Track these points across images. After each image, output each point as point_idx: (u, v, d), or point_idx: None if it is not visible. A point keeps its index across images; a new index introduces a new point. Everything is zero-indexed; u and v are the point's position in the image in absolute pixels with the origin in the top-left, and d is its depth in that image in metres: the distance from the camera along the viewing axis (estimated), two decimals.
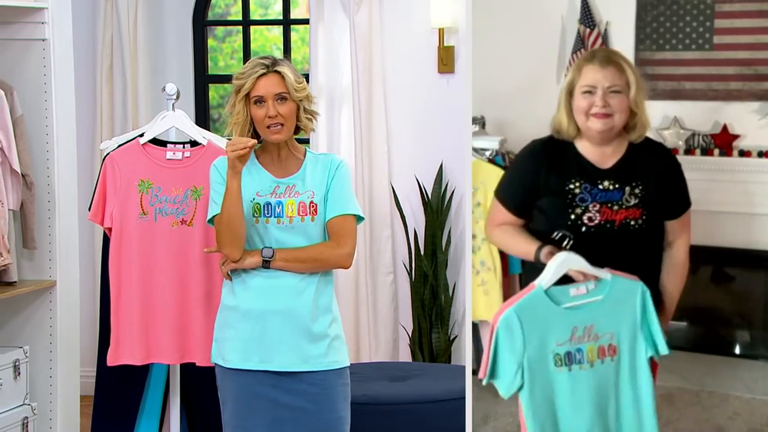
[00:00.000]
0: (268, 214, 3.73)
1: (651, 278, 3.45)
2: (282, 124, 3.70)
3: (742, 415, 3.62)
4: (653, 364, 3.44)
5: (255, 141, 3.66)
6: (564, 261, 3.35)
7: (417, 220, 6.38)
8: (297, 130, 3.80)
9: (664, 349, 3.39)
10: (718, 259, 3.66)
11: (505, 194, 3.56)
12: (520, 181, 3.55)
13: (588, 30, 3.65)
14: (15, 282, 4.76)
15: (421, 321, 6.23)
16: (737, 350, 3.71)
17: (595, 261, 3.38)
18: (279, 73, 3.71)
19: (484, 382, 3.41)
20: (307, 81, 6.29)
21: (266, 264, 3.71)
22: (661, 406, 3.52)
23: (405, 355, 6.43)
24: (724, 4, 3.54)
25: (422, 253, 6.27)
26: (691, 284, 3.55)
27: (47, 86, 4.85)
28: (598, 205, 3.40)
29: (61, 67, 4.91)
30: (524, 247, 3.47)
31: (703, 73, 3.59)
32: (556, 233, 3.40)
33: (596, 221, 3.41)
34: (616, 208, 3.40)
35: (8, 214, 4.67)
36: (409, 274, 6.34)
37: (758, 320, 3.69)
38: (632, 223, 3.41)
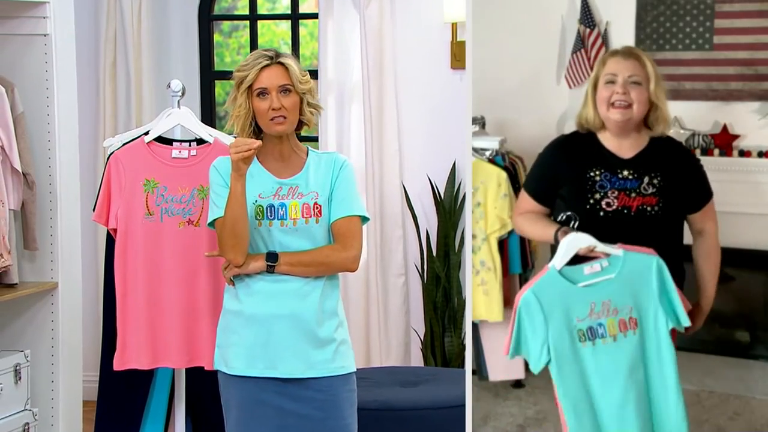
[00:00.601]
0: (271, 216, 3.71)
1: (667, 264, 3.58)
2: (285, 117, 3.69)
3: (742, 415, 3.68)
4: (672, 333, 3.60)
5: (259, 142, 3.64)
6: (573, 240, 3.56)
7: (429, 220, 6.36)
8: (300, 125, 3.79)
9: (685, 321, 3.54)
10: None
11: (529, 183, 3.75)
12: (543, 170, 3.73)
13: (588, 30, 3.73)
14: (16, 284, 4.76)
15: (434, 324, 6.21)
16: (737, 350, 3.80)
17: (613, 244, 3.57)
18: (283, 64, 3.70)
19: (508, 357, 3.64)
20: (316, 77, 6.37)
21: (270, 268, 3.69)
22: None
23: (417, 360, 6.40)
24: (724, 4, 3.61)
25: (434, 254, 6.25)
26: (691, 284, 3.68)
27: (49, 83, 4.85)
28: (616, 192, 3.59)
29: (63, 63, 4.90)
30: (544, 231, 3.66)
31: (703, 73, 3.68)
32: (561, 216, 3.59)
33: (613, 207, 3.59)
34: (633, 195, 3.58)
35: (9, 214, 4.66)
36: (421, 275, 6.31)
37: (758, 320, 3.76)
38: (648, 209, 3.58)
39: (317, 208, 3.72)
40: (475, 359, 3.91)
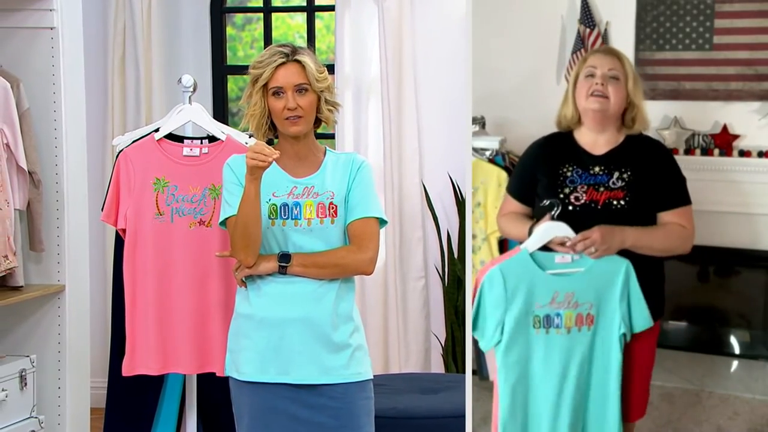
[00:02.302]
0: (285, 216, 3.72)
1: (630, 256, 3.75)
2: (301, 117, 3.70)
3: (742, 415, 3.77)
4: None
5: (278, 153, 3.64)
6: (550, 227, 3.72)
7: (450, 220, 6.36)
8: (318, 122, 3.80)
9: (637, 328, 3.72)
10: (718, 259, 3.82)
11: (511, 184, 3.90)
12: (523, 170, 3.88)
13: (588, 30, 3.81)
14: (21, 287, 4.76)
15: (455, 329, 6.20)
16: (737, 350, 3.87)
17: None
18: (299, 62, 3.70)
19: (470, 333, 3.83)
20: (333, 72, 6.37)
21: (283, 269, 3.70)
22: (661, 406, 3.79)
23: (437, 366, 6.40)
24: (724, 4, 3.70)
25: (456, 256, 6.24)
26: (691, 284, 3.83)
27: (56, 78, 4.85)
28: (585, 187, 3.74)
29: (70, 58, 4.91)
30: (521, 228, 3.79)
31: (703, 73, 3.76)
32: (546, 201, 3.74)
33: (581, 201, 3.74)
34: (601, 189, 3.74)
35: (14, 214, 4.67)
36: (442, 278, 6.31)
37: (758, 320, 3.84)
38: (614, 203, 3.71)
39: (333, 208, 3.73)
40: (475, 359, 3.97)
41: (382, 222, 3.78)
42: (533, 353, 3.75)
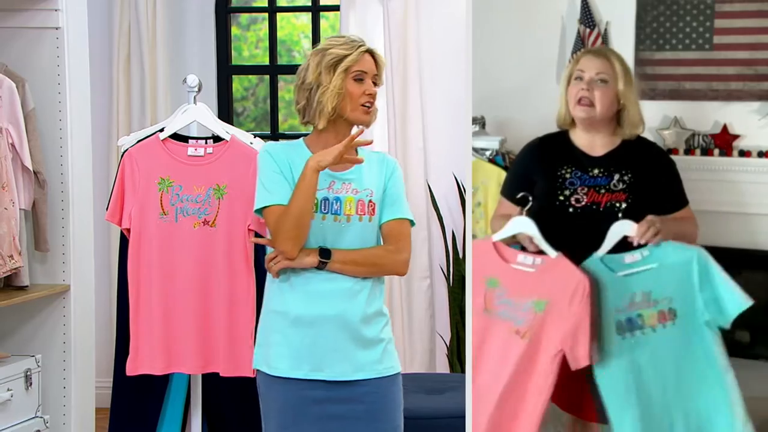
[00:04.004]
0: (325, 210, 3.69)
1: None
2: (373, 105, 3.74)
3: None
4: None
5: (362, 159, 3.67)
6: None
7: (455, 220, 6.37)
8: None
9: (732, 311, 3.61)
10: (718, 259, 3.75)
11: (505, 186, 3.86)
12: (517, 171, 3.85)
13: (588, 30, 3.80)
14: (27, 286, 4.78)
15: (460, 329, 6.22)
16: (737, 350, 3.82)
17: (583, 240, 3.68)
18: (374, 55, 3.76)
19: None
20: None
21: (322, 265, 3.67)
22: None
23: (442, 366, 6.42)
24: (724, 4, 3.68)
25: (461, 256, 6.26)
26: None
27: (61, 78, 4.86)
28: (586, 189, 3.72)
29: (75, 58, 4.92)
30: None
31: (703, 73, 3.75)
32: (520, 194, 3.71)
33: (582, 203, 3.71)
34: (603, 191, 3.71)
35: (19, 214, 4.67)
36: (447, 278, 6.33)
37: (758, 320, 3.78)
38: (617, 205, 3.69)
39: (371, 205, 3.72)
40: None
41: (411, 224, 3.81)
42: (627, 359, 3.65)
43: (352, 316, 3.68)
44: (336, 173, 3.71)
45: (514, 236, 3.78)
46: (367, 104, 3.70)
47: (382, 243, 3.77)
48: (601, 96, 3.69)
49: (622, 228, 3.65)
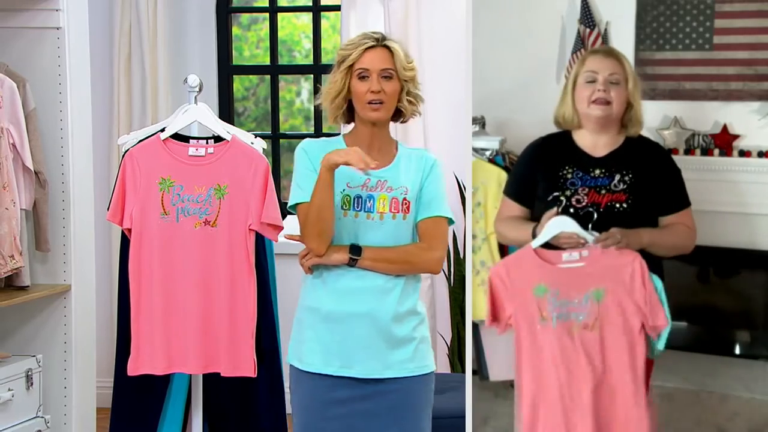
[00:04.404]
0: (358, 207, 3.69)
1: None
2: (383, 102, 3.68)
3: (742, 415, 3.76)
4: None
5: (377, 163, 3.64)
6: (555, 224, 3.72)
7: (456, 220, 6.35)
8: (397, 114, 3.78)
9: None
10: (718, 259, 3.81)
11: (509, 187, 3.88)
12: (521, 171, 3.87)
13: (588, 30, 3.81)
14: (27, 286, 4.78)
15: (461, 329, 6.21)
16: (737, 350, 3.87)
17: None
18: (388, 48, 3.70)
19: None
20: None
21: (353, 262, 3.66)
22: (661, 406, 3.76)
23: (443, 366, 6.41)
24: (724, 4, 3.70)
25: (461, 256, 6.25)
26: (690, 284, 3.82)
27: (61, 78, 4.87)
28: (587, 189, 3.74)
29: (76, 58, 4.92)
30: (522, 232, 3.80)
31: (703, 73, 3.76)
32: (551, 196, 3.73)
33: (583, 203, 3.73)
34: (603, 192, 3.73)
35: (20, 213, 4.68)
36: (448, 278, 6.32)
37: (758, 320, 3.83)
38: (617, 206, 3.72)
39: (406, 204, 3.70)
40: (476, 359, 3.97)
41: (450, 222, 3.77)
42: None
43: (383, 314, 3.67)
44: (371, 171, 3.70)
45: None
46: (374, 102, 3.67)
47: (417, 241, 3.76)
48: (617, 95, 3.71)
49: (561, 224, 3.72)
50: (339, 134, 3.90)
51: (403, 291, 3.70)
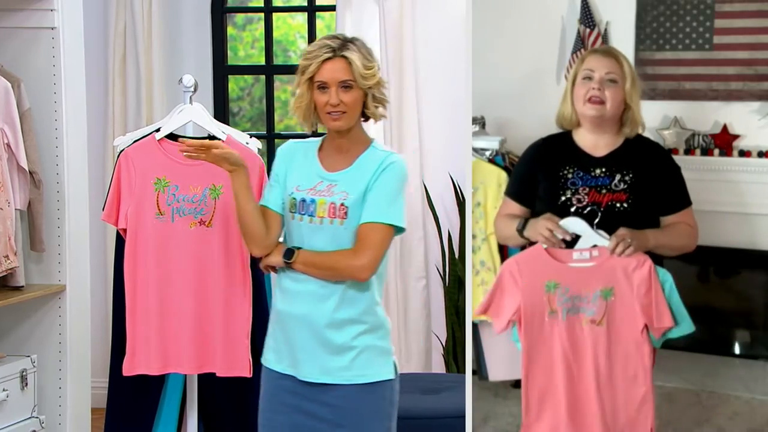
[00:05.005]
0: (302, 211, 3.71)
1: None
2: (344, 112, 3.67)
3: (742, 415, 3.79)
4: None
5: (195, 144, 3.77)
6: (566, 225, 3.77)
7: (451, 220, 6.36)
8: (367, 116, 3.77)
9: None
10: (718, 259, 3.86)
11: (509, 187, 3.92)
12: (521, 171, 3.91)
13: (588, 30, 3.84)
14: (22, 287, 4.77)
15: (456, 329, 6.21)
16: (737, 350, 3.91)
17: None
18: (346, 58, 3.66)
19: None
20: None
21: (287, 265, 3.71)
22: (661, 406, 3.78)
23: (438, 366, 6.41)
24: (724, 4, 3.73)
25: (456, 256, 6.25)
26: (691, 284, 3.83)
27: (56, 78, 4.86)
28: (587, 189, 3.77)
29: (71, 58, 4.91)
30: (512, 228, 3.85)
31: (703, 73, 3.80)
32: (558, 200, 3.79)
33: (584, 203, 3.76)
34: (604, 191, 3.76)
35: (15, 214, 4.67)
36: (443, 278, 6.32)
37: (758, 320, 3.88)
38: (618, 205, 3.75)
39: (342, 209, 3.68)
40: (475, 359, 4.00)
41: (399, 229, 3.71)
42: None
43: (317, 318, 3.68)
44: (328, 173, 3.72)
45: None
46: (332, 113, 3.66)
47: None
48: (612, 95, 3.73)
49: (571, 225, 3.77)
50: (294, 137, 3.92)
51: (342, 298, 3.69)
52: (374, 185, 3.68)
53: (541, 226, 3.77)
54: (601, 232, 3.73)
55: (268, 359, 3.79)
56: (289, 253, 3.70)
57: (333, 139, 3.75)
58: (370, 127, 6.36)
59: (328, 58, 3.65)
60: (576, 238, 3.77)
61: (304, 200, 3.71)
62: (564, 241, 3.77)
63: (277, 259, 3.72)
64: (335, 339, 3.68)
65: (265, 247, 3.75)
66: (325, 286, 3.69)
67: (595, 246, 3.72)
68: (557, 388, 3.76)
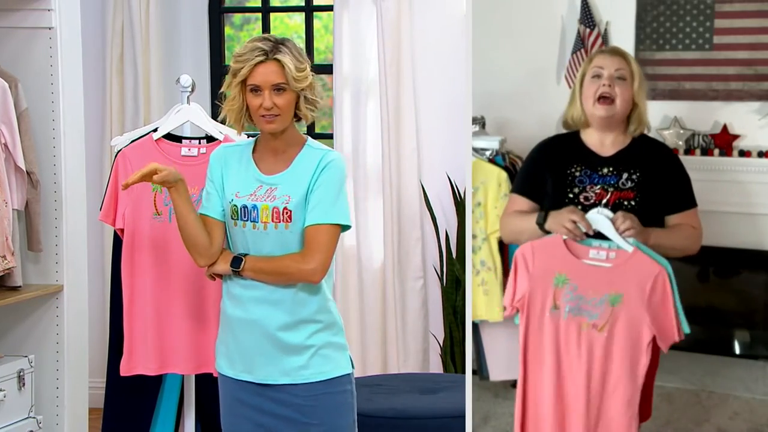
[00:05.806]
0: (245, 218, 3.69)
1: None
2: (278, 115, 3.64)
3: (742, 415, 3.79)
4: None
5: (144, 172, 3.72)
6: (590, 217, 3.74)
7: (449, 220, 6.36)
8: (299, 117, 3.75)
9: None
10: (718, 259, 3.85)
11: (517, 184, 3.93)
12: (529, 169, 3.91)
13: (588, 30, 3.84)
14: (19, 287, 4.76)
15: (453, 329, 6.20)
16: (737, 350, 3.91)
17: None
18: (278, 61, 3.62)
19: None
20: (331, 72, 6.36)
21: (235, 273, 3.69)
22: (661, 406, 3.80)
23: (436, 366, 6.40)
24: (724, 4, 3.73)
25: (454, 256, 6.24)
26: (691, 284, 3.83)
27: (54, 78, 4.85)
28: (595, 187, 3.77)
29: (68, 58, 4.90)
30: (529, 221, 3.83)
31: (703, 73, 3.80)
32: (565, 198, 3.78)
33: (591, 201, 3.76)
34: (611, 190, 3.76)
35: (12, 214, 4.66)
36: (440, 278, 6.31)
37: (758, 320, 3.87)
38: (625, 203, 3.74)
39: (287, 213, 3.65)
40: (476, 359, 4.00)
41: (344, 227, 3.69)
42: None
43: (269, 322, 3.68)
44: (266, 176, 3.71)
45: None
46: (266, 116, 3.64)
47: None
48: (622, 92, 3.74)
49: (595, 220, 3.74)
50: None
51: (293, 301, 3.68)
52: (315, 186, 3.66)
53: (564, 218, 3.74)
54: (621, 240, 3.69)
55: (221, 365, 3.78)
56: (237, 261, 3.67)
57: (267, 141, 3.73)
58: (368, 131, 6.42)
59: (261, 62, 3.62)
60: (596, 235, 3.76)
61: (245, 206, 3.68)
62: (586, 235, 3.75)
63: (224, 267, 3.70)
64: (291, 340, 3.68)
65: (210, 256, 3.73)
66: (275, 291, 3.67)
67: (612, 248, 3.68)
68: (545, 387, 3.75)
